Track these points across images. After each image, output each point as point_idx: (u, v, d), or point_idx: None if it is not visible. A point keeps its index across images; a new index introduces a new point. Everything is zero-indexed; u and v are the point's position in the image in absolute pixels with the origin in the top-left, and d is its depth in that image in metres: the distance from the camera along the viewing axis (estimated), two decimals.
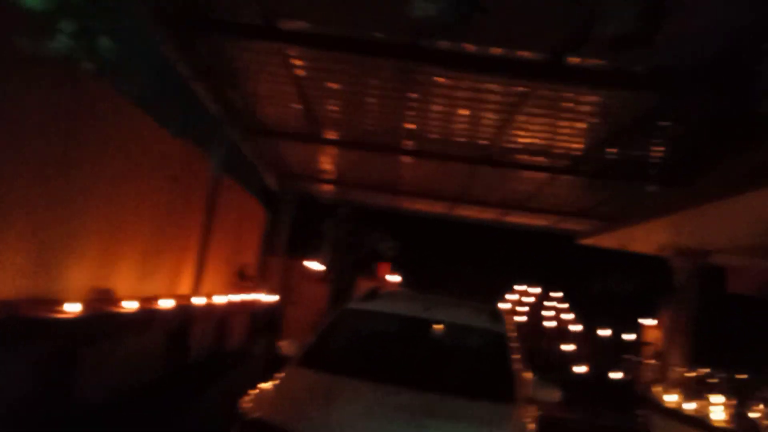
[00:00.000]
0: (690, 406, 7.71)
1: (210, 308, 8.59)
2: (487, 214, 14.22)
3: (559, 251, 15.14)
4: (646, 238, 9.83)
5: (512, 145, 8.40)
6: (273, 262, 13.74)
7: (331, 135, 9.42)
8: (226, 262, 10.66)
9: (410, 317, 6.34)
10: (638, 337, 14.45)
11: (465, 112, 7.66)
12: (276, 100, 8.27)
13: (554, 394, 5.70)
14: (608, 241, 10.84)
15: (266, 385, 5.03)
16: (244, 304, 10.73)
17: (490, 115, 7.57)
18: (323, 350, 5.89)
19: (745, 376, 8.88)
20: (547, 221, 13.66)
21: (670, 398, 8.13)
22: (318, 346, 5.90)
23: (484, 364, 5.98)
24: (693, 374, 8.46)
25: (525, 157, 8.86)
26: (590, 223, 11.91)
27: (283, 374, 5.36)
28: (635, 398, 12.45)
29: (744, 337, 11.81)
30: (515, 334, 6.33)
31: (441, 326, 6.36)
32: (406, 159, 10.23)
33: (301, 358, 5.70)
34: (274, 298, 13.01)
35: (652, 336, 14.31)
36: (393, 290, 11.00)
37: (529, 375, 6.38)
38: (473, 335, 6.37)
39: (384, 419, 4.41)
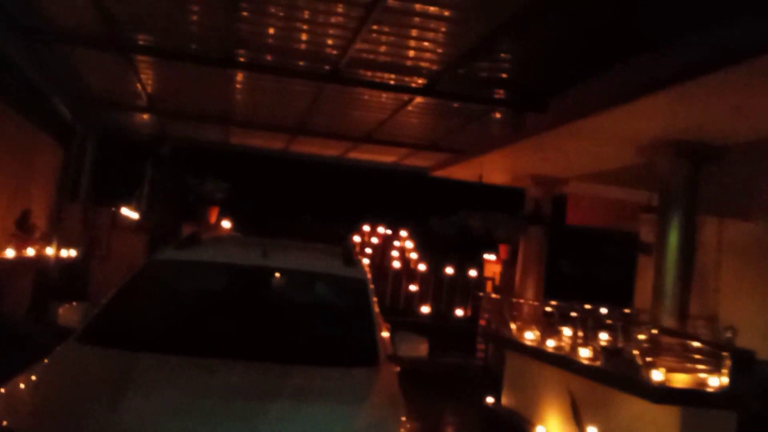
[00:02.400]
0: (550, 343, 7.24)
1: None
2: (331, 150, 12.99)
3: (406, 189, 14.48)
4: (502, 166, 9.21)
5: (362, 57, 7.09)
6: (73, 209, 11.35)
7: (144, 40, 7.39)
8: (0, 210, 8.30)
9: (242, 266, 4.91)
10: (480, 273, 14.29)
11: (306, 15, 6.20)
12: None
13: (420, 348, 4.64)
14: (462, 171, 10.13)
15: (23, 377, 3.38)
16: (23, 262, 8.48)
17: (337, 20, 6.19)
18: (118, 318, 4.29)
19: (589, 307, 8.63)
20: (394, 157, 12.77)
21: (529, 335, 7.65)
22: (110, 313, 4.27)
23: (339, 320, 4.77)
24: (548, 308, 8.05)
25: (375, 74, 7.62)
26: (441, 157, 11.15)
27: (53, 356, 3.73)
28: (477, 335, 12.33)
29: (582, 268, 12.05)
30: (370, 279, 5.18)
31: (282, 275, 5.01)
32: (239, 76, 8.53)
33: (84, 330, 4.07)
34: (72, 252, 10.73)
35: (492, 271, 14.31)
36: (219, 235, 9.40)
37: (386, 326, 5.34)
38: (325, 284, 5.12)
39: (199, 415, 3.01)
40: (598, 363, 6.14)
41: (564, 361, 6.57)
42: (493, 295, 12.34)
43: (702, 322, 6.94)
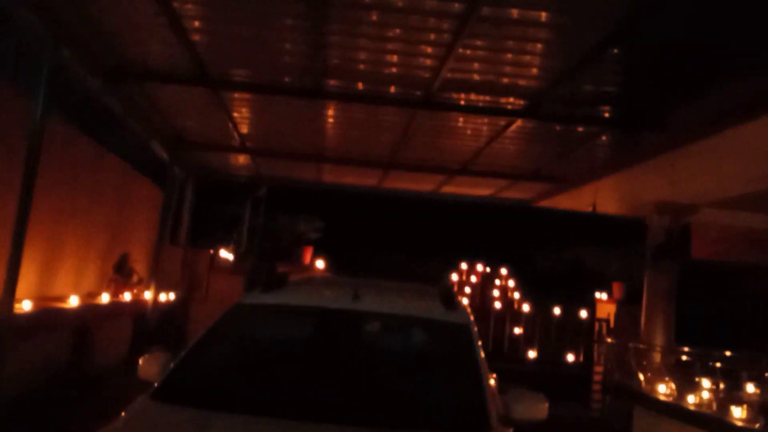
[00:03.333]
0: (689, 399, 6.14)
1: (48, 314, 6.27)
2: (424, 185, 12.44)
3: (507, 223, 13.63)
4: (617, 194, 8.23)
5: (455, 78, 6.52)
6: (172, 252, 11.42)
7: (234, 75, 7.22)
8: (99, 254, 8.33)
9: (329, 310, 4.38)
10: (591, 313, 13.08)
11: (397, 32, 5.75)
12: (147, 32, 6.08)
13: (539, 409, 3.85)
14: (570, 200, 9.22)
15: None
16: (120, 306, 8.42)
17: (428, 37, 5.69)
18: (197, 371, 3.85)
19: (728, 353, 7.41)
20: (490, 189, 12.01)
21: (662, 388, 6.56)
22: (189, 365, 3.85)
23: (441, 375, 4.08)
24: (683, 356, 6.94)
25: (470, 96, 7.01)
26: (541, 187, 10.28)
27: (122, 418, 3.32)
28: (592, 383, 11.10)
29: (714, 308, 10.63)
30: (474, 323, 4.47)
31: (374, 321, 4.41)
32: (330, 111, 8.21)
33: (160, 386, 3.65)
34: (171, 295, 10.72)
35: (605, 311, 13.06)
36: (310, 276, 8.99)
37: (492, 377, 4.60)
38: (423, 331, 4.47)
39: None
40: (757, 426, 5.02)
41: (713, 424, 5.46)
42: (609, 339, 11.15)
43: None
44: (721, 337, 9.64)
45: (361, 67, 6.56)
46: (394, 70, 6.53)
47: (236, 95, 7.91)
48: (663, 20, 4.90)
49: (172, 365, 3.83)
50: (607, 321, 12.34)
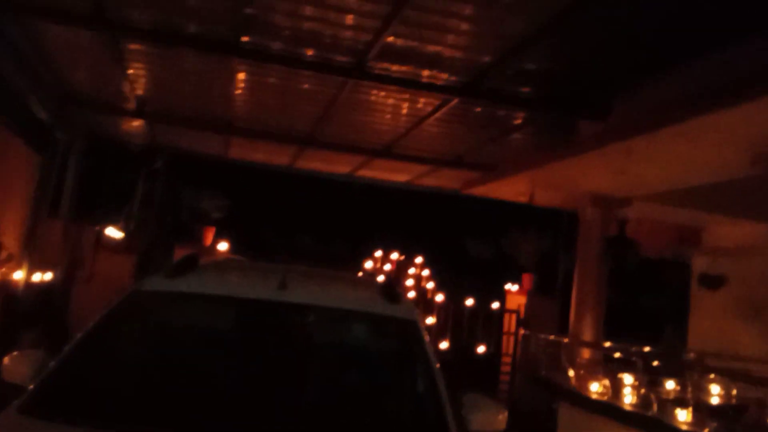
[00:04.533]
0: (629, 399, 5.90)
1: None
2: (340, 166, 11.70)
3: (423, 212, 13.20)
4: (553, 183, 7.92)
5: (396, 45, 5.84)
6: (52, 226, 9.97)
7: (132, 19, 6.08)
8: None
9: (253, 301, 3.61)
10: (502, 304, 12.96)
11: None
12: None
13: (498, 421, 3.32)
14: (504, 189, 8.84)
15: None
16: None
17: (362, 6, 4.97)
18: (81, 375, 2.99)
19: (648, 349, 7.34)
20: (411, 175, 11.49)
21: (594, 386, 6.30)
22: (70, 368, 2.99)
23: (391, 382, 3.43)
24: (615, 352, 6.75)
25: (409, 69, 6.36)
26: (471, 175, 9.84)
27: None
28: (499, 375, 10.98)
29: (633, 301, 10.76)
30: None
31: (309, 315, 3.68)
32: (241, 74, 7.26)
33: (31, 395, 2.77)
34: (48, 275, 9.33)
35: (515, 303, 13.01)
36: (221, 259, 8.04)
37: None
38: (365, 328, 3.80)
39: None
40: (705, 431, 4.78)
41: (654, 426, 5.19)
42: (521, 331, 11.03)
43: None
44: (638, 328, 9.74)
45: (282, 22, 5.69)
46: (321, 28, 5.72)
47: (134, 47, 6.78)
48: (608, 6, 4.57)
49: (49, 366, 2.95)
50: (517, 312, 12.27)
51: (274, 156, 11.50)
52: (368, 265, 12.86)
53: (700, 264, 9.32)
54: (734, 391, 5.37)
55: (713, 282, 8.56)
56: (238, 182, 13.07)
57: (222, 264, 5.28)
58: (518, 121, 7.55)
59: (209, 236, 11.72)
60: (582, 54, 5.74)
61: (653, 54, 5.42)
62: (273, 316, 3.57)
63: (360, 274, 12.54)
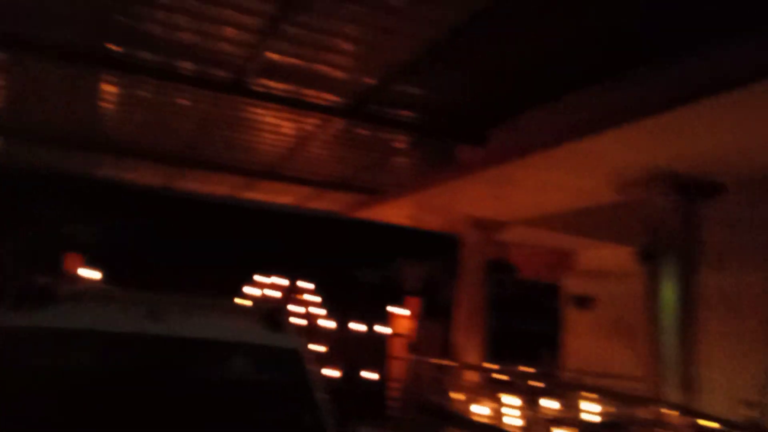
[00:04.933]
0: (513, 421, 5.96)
1: None
2: (221, 187, 11.19)
3: (311, 235, 12.91)
4: (435, 207, 8.01)
5: (274, 61, 5.64)
6: None
7: None
8: None
9: (118, 335, 3.19)
10: (391, 329, 12.96)
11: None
12: None
13: None
14: (387, 212, 8.82)
15: None
16: None
17: (245, 18, 4.77)
18: None
19: (532, 370, 7.55)
20: (297, 197, 11.20)
21: (474, 407, 6.35)
22: None
23: (273, 415, 3.17)
24: (498, 374, 6.85)
25: (289, 87, 6.17)
26: (356, 197, 9.75)
27: None
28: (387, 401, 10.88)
29: (512, 323, 11.07)
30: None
31: (181, 348, 3.32)
32: (110, 86, 6.71)
33: None
34: None
35: (403, 327, 13.04)
36: (84, 288, 7.29)
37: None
38: (243, 360, 3.49)
39: None
40: None
41: None
42: (410, 356, 11.02)
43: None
44: (524, 352, 10.02)
45: (156, 31, 5.30)
46: (198, 41, 5.39)
47: None
48: (484, 42, 4.74)
49: None
50: (407, 337, 12.28)
51: (149, 176, 10.79)
52: (253, 291, 12.36)
53: (572, 286, 9.81)
54: (607, 409, 5.58)
55: (584, 303, 9.02)
56: (108, 204, 12.11)
57: (85, 293, 4.73)
58: (402, 145, 7.58)
59: (74, 264, 10.73)
60: (462, 83, 5.86)
61: (528, 88, 5.66)
62: (141, 350, 3.18)
63: (243, 301, 12.00)
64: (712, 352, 5.69)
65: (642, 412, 4.89)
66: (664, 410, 4.71)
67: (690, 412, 4.78)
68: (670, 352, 5.04)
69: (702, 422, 4.68)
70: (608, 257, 8.98)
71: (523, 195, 6.82)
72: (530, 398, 6.29)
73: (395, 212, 8.68)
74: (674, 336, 5.05)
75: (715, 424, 4.61)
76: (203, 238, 14.61)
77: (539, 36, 4.75)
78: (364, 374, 11.72)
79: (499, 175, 6.44)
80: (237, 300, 4.66)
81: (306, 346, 3.55)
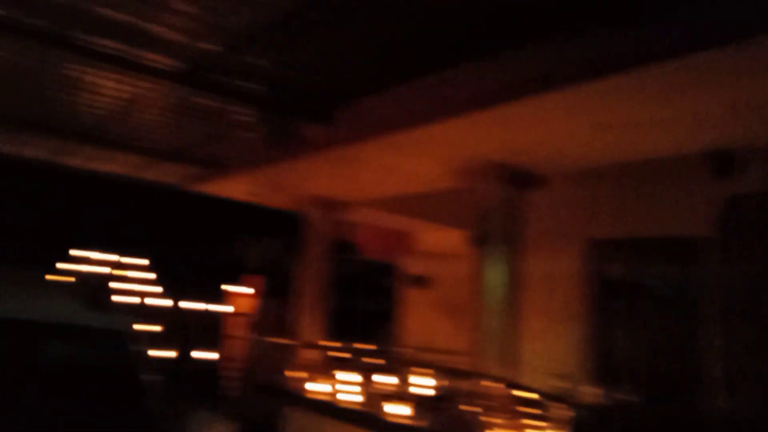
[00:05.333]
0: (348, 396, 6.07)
1: None
2: (36, 150, 10.01)
3: (144, 208, 12.04)
4: (278, 184, 7.85)
5: (102, 18, 5.13)
6: None
7: None
8: None
9: None
10: (230, 307, 12.63)
11: None
12: None
13: None
14: (229, 187, 8.48)
15: None
16: None
17: None
18: None
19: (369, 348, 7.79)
20: (128, 167, 10.35)
21: (319, 387, 6.39)
22: None
23: (92, 400, 2.95)
24: (338, 352, 6.93)
25: (119, 46, 5.64)
26: (195, 170, 9.25)
27: None
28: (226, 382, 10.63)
29: (352, 302, 11.23)
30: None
31: None
32: None
33: None
34: None
35: (245, 305, 12.75)
36: None
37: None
38: (67, 343, 3.18)
39: None
40: (424, 423, 5.12)
41: (371, 421, 5.41)
42: (249, 335, 10.80)
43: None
44: (365, 331, 10.25)
45: None
46: None
47: None
48: (335, 17, 4.70)
49: None
50: (246, 316, 12.02)
51: None
52: (76, 267, 11.30)
53: (409, 266, 10.20)
54: (439, 383, 5.88)
55: (420, 283, 9.43)
56: None
57: None
58: (245, 118, 7.29)
59: None
60: (311, 58, 5.74)
61: (376, 70, 5.70)
62: None
63: (63, 278, 10.96)
64: (531, 329, 6.24)
65: (468, 385, 5.23)
66: (487, 383, 5.07)
67: (510, 384, 5.20)
68: (494, 329, 5.44)
69: (519, 393, 5.12)
70: (444, 240, 9.47)
71: (367, 176, 6.91)
72: (367, 375, 6.44)
73: (236, 188, 8.38)
74: (498, 315, 5.45)
75: (530, 395, 5.07)
76: (17, 206, 13.05)
77: (388, 17, 4.77)
78: (200, 355, 11.33)
79: (344, 155, 6.45)
80: (58, 276, 4.22)
81: (133, 326, 3.33)
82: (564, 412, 4.63)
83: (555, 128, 4.95)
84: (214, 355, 11.24)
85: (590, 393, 6.91)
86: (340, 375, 6.69)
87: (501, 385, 5.11)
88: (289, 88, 6.27)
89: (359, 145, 6.12)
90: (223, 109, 7.09)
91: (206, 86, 6.28)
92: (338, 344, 7.48)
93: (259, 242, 11.39)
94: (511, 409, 5.00)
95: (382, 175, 6.75)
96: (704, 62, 3.67)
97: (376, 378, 6.57)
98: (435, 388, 5.78)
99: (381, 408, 5.55)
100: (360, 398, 6.09)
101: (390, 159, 6.26)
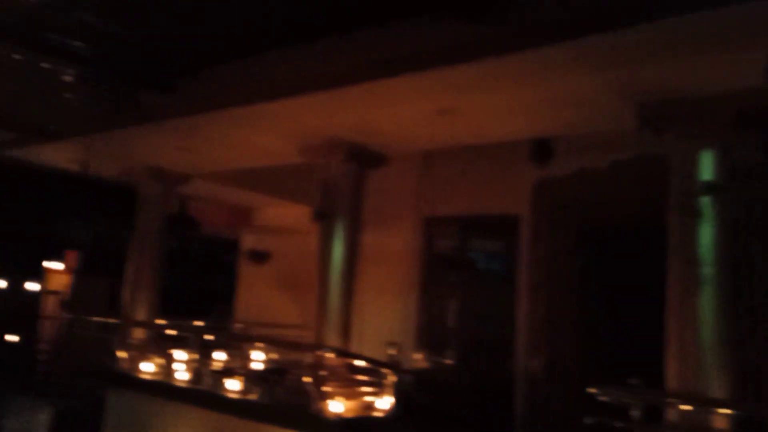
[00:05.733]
0: (178, 375, 5.90)
1: None
2: None
3: None
4: (111, 153, 7.31)
5: None
6: None
7: None
8: None
9: None
10: (42, 285, 11.61)
11: None
12: None
13: (38, 421, 2.94)
14: (53, 154, 7.72)
15: None
16: None
17: None
18: None
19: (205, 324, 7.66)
20: None
21: (148, 366, 6.12)
22: None
23: None
24: (173, 330, 6.68)
25: None
26: (5, 135, 8.27)
27: None
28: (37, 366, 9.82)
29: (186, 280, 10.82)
30: None
31: None
32: None
33: None
34: None
35: (59, 283, 11.75)
36: None
37: None
38: None
39: None
40: (254, 396, 5.14)
41: (206, 399, 5.33)
42: (64, 314, 9.99)
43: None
44: (201, 308, 9.92)
45: None
46: None
47: None
48: None
49: None
50: (60, 293, 11.10)
51: None
52: None
53: (248, 241, 10.05)
54: (277, 356, 5.93)
55: (259, 257, 9.33)
56: None
57: None
58: (73, 80, 6.67)
59: None
60: (155, 22, 5.41)
61: (223, 41, 5.49)
62: None
63: None
64: (369, 302, 6.51)
65: (306, 357, 5.34)
66: (325, 354, 5.22)
67: (345, 354, 5.40)
68: (333, 302, 5.59)
69: (355, 362, 5.34)
70: (285, 215, 9.45)
71: (210, 149, 6.67)
72: (203, 352, 6.31)
73: (60, 155, 7.66)
74: (337, 288, 5.60)
75: (364, 364, 5.31)
76: None
77: None
78: (11, 337, 10.31)
79: (186, 126, 6.19)
80: None
81: None
82: (392, 377, 4.92)
83: (400, 111, 5.15)
84: (24, 338, 10.28)
85: (417, 359, 7.46)
86: (174, 353, 6.48)
87: (338, 356, 5.29)
88: (127, 52, 5.83)
89: (203, 117, 5.90)
90: (46, 69, 6.41)
91: (25, 42, 5.63)
92: (173, 322, 7.22)
93: (85, 216, 10.55)
94: (347, 377, 5.20)
95: (226, 148, 6.57)
96: (533, 58, 4.03)
97: (213, 355, 6.47)
98: (273, 361, 5.83)
99: (217, 384, 5.48)
100: (194, 376, 5.95)
101: (234, 132, 6.12)
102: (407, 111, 5.13)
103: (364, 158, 5.90)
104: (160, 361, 6.31)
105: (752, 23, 3.37)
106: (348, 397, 4.92)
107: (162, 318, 7.35)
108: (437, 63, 4.29)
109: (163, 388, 5.90)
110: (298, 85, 5.00)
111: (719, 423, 3.75)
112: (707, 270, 3.94)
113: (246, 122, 5.71)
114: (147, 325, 7.26)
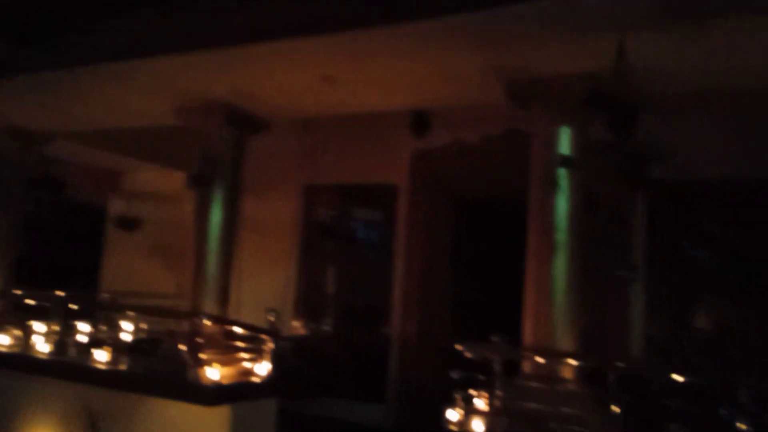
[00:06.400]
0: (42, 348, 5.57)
1: None
2: None
3: None
4: None
5: None
6: None
7: None
8: None
9: None
10: None
11: None
12: None
13: None
14: None
15: None
16: None
17: None
18: None
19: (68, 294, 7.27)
20: None
21: (4, 339, 5.71)
22: None
23: None
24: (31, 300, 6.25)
25: None
26: None
27: None
28: None
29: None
30: None
31: None
32: None
33: None
34: None
35: None
36: None
37: None
38: None
39: None
40: (123, 367, 4.98)
41: (73, 371, 5.08)
42: None
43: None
44: (66, 276, 9.29)
45: None
46: None
47: None
48: None
49: None
50: None
51: None
52: None
53: (116, 207, 9.55)
54: (148, 326, 5.75)
55: (128, 224, 8.90)
56: None
57: None
58: None
59: None
60: None
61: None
62: None
63: None
64: (248, 269, 6.45)
65: (183, 326, 5.23)
66: (202, 321, 5.15)
67: (223, 321, 5.36)
68: (212, 270, 5.48)
69: (233, 329, 5.32)
70: (157, 180, 9.05)
71: (75, 107, 6.19)
72: (67, 323, 5.99)
73: None
74: (215, 256, 5.49)
75: (243, 330, 5.31)
76: None
77: None
78: None
79: (49, 82, 5.71)
80: None
81: None
82: (270, 344, 4.98)
83: (282, 77, 5.09)
84: None
85: (295, 326, 7.56)
86: (33, 325, 6.09)
87: (214, 323, 5.24)
88: None
89: (68, 73, 5.47)
90: None
91: None
92: (31, 291, 6.75)
93: None
94: (225, 344, 5.18)
95: (93, 106, 6.14)
96: (407, 32, 4.14)
97: (78, 326, 6.15)
98: (145, 331, 5.66)
99: (85, 356, 5.24)
100: (58, 348, 5.64)
101: (103, 90, 5.73)
102: (289, 77, 5.09)
103: (245, 123, 5.78)
104: (18, 333, 5.90)
105: (604, 12, 3.70)
106: (225, 363, 4.90)
107: (21, 288, 6.84)
108: (315, 30, 4.28)
109: (23, 360, 5.53)
110: (176, 43, 4.79)
111: (567, 373, 4.20)
112: (561, 238, 4.33)
113: (116, 79, 5.38)
114: (1, 294, 6.73)
